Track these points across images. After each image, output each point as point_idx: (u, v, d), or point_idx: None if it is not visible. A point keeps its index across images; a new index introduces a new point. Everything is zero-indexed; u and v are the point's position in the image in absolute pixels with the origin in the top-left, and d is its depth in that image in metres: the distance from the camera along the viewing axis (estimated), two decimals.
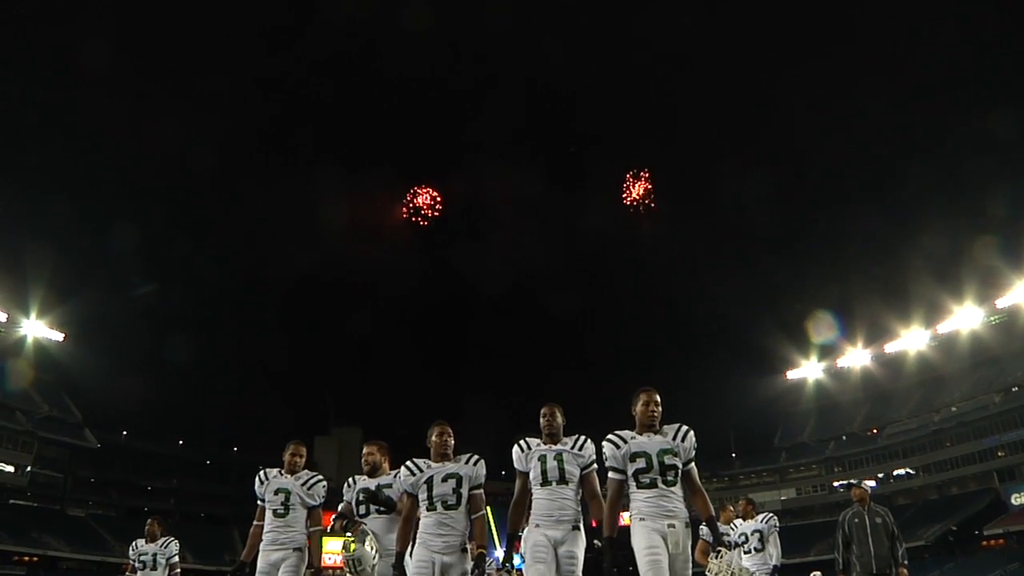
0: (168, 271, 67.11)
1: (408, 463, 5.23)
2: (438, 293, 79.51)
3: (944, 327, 58.78)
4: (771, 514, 8.75)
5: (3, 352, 53.76)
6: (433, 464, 5.23)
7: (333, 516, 5.94)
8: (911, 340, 61.11)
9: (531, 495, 5.21)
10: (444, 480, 5.11)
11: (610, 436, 4.84)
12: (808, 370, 68.95)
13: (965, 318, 56.94)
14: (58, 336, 56.89)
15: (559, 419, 5.30)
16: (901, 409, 62.18)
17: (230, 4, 68.11)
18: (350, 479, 6.01)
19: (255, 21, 71.08)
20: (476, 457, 5.29)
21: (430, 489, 5.10)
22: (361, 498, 5.85)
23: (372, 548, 5.35)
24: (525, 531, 5.14)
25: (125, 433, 60.60)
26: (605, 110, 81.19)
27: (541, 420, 5.31)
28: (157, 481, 60.58)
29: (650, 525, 4.54)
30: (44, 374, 57.30)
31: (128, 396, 55.62)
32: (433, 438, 5.31)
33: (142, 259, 65.18)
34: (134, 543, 8.14)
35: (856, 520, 8.20)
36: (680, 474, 4.74)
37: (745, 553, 8.29)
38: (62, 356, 57.14)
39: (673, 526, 4.53)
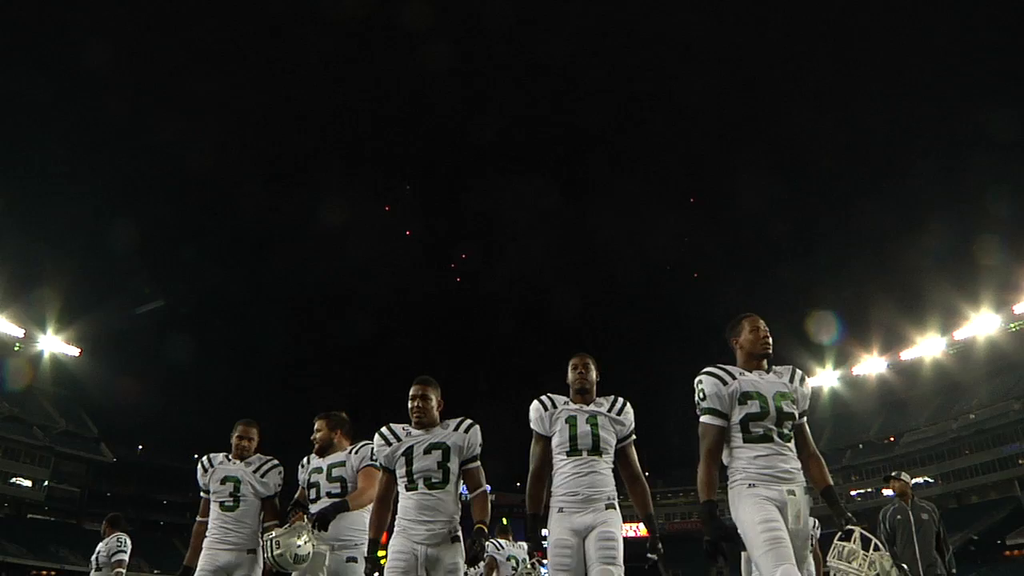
0: (183, 285, 67.69)
1: (383, 429, 4.28)
2: (451, 300, 79.86)
3: (961, 334, 58.21)
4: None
5: (20, 367, 54.26)
6: (414, 431, 4.23)
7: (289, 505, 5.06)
8: (927, 347, 60.55)
9: (553, 468, 4.19)
10: (426, 452, 4.12)
11: (711, 369, 3.68)
12: (823, 378, 68.45)
13: (982, 324, 56.36)
14: (74, 351, 57.41)
15: (593, 374, 4.27)
16: (918, 417, 61.57)
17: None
18: (305, 459, 5.14)
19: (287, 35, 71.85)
20: (468, 422, 4.30)
21: (409, 463, 4.12)
22: (312, 480, 4.96)
23: (304, 541, 4.36)
24: (549, 519, 4.10)
25: (141, 447, 60.97)
26: (612, 117, 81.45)
27: (570, 373, 4.27)
28: (173, 495, 60.82)
29: (763, 493, 3.43)
30: (61, 389, 57.84)
31: (144, 411, 56.07)
32: (408, 402, 4.31)
33: (157, 274, 65.83)
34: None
35: (899, 517, 7.05)
36: (793, 429, 3.65)
37: None
38: (78, 371, 57.69)
39: (793, 493, 3.47)
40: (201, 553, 5.15)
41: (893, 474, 7.51)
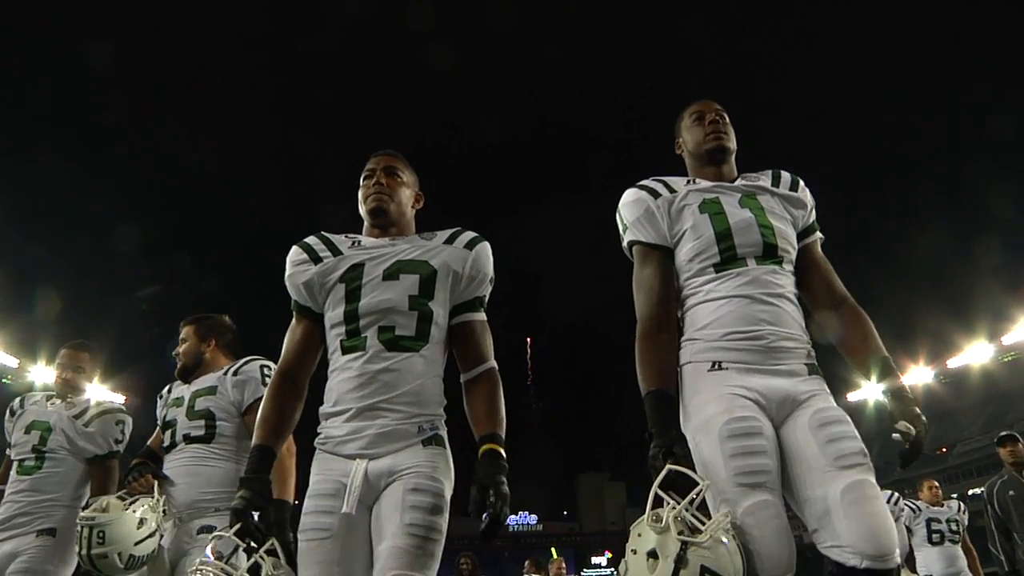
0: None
1: (308, 239, 2.23)
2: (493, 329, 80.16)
3: (1010, 339, 56.58)
4: (897, 494, 6.06)
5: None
6: (365, 240, 2.22)
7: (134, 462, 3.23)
8: (975, 354, 58.86)
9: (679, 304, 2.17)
10: (389, 276, 2.09)
11: None
12: (868, 391, 66.81)
13: None
14: (120, 399, 58.58)
15: (731, 129, 2.37)
16: (970, 426, 59.84)
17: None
18: (165, 389, 3.44)
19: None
20: (471, 235, 2.26)
21: (353, 297, 2.08)
22: (168, 417, 3.22)
23: (147, 529, 2.66)
24: (690, 392, 2.05)
25: None
26: (662, 123, 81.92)
27: (691, 132, 2.39)
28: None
29: None
30: None
31: None
32: (360, 183, 2.30)
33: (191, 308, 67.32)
34: None
35: (1011, 492, 5.25)
36: None
37: None
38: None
39: None
40: None
41: (1004, 433, 5.51)
